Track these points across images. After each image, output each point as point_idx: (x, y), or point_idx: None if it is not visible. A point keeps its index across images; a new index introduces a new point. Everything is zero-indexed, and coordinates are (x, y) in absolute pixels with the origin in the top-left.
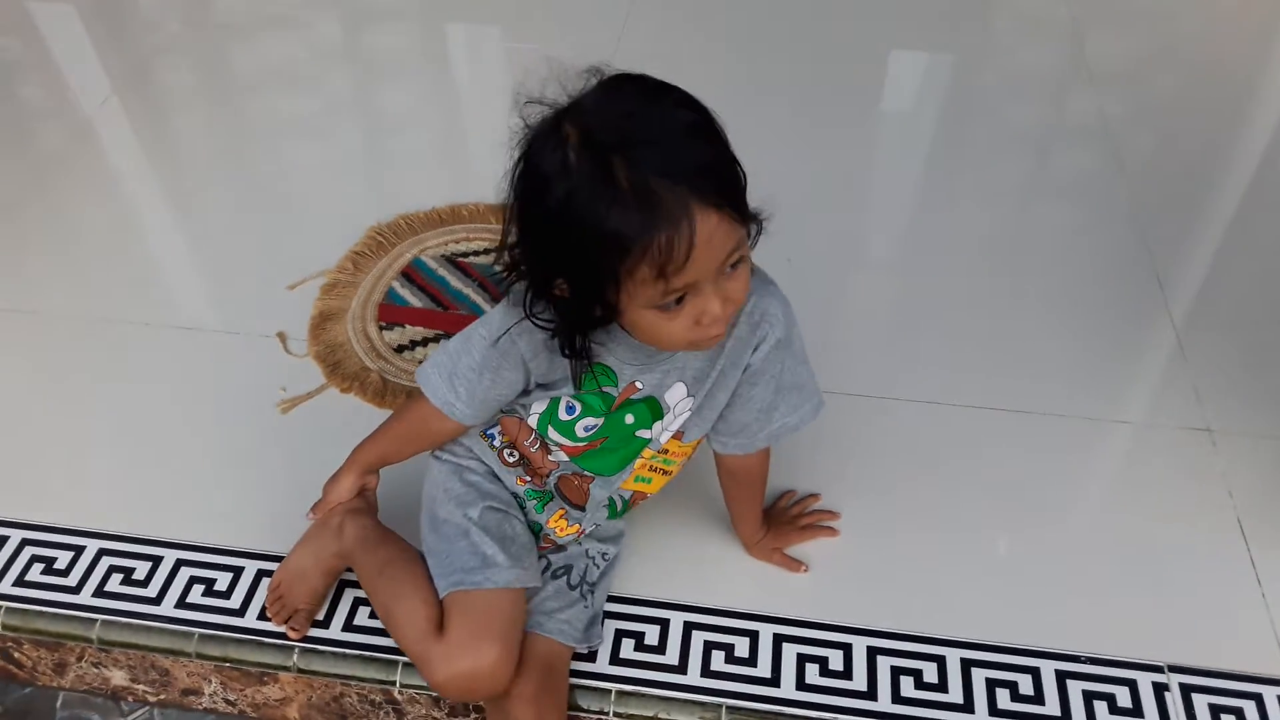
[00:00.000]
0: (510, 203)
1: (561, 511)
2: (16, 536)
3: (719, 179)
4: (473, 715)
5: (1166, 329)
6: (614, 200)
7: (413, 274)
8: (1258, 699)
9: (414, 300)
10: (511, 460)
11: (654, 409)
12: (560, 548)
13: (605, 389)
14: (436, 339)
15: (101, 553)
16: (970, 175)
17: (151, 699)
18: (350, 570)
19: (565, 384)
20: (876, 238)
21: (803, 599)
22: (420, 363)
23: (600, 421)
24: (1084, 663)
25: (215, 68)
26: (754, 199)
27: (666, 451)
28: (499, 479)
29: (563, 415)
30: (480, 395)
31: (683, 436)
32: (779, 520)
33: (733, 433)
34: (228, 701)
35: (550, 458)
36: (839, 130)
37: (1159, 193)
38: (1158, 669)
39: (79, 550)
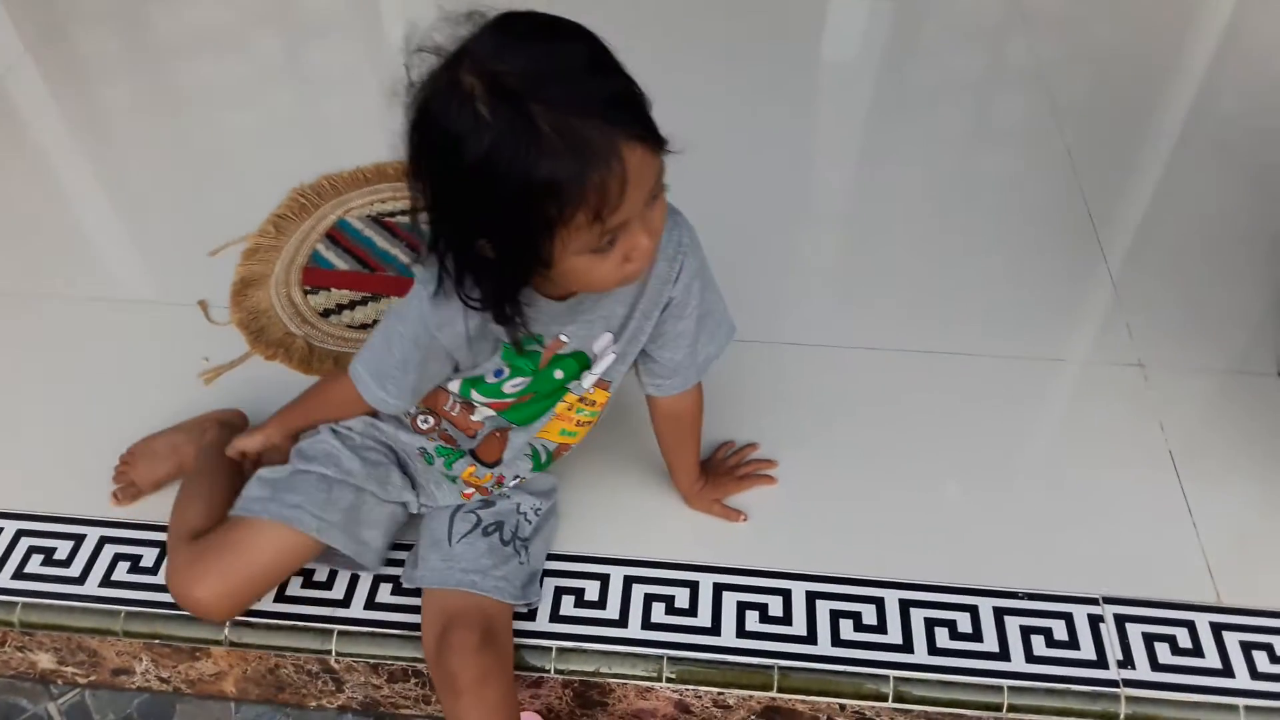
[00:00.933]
0: (414, 169)
1: (472, 468)
2: None
3: (634, 109)
4: (412, 680)
5: (1100, 269)
6: (540, 148)
7: (337, 236)
8: (1189, 625)
9: (339, 263)
10: (425, 427)
11: (582, 361)
12: (489, 503)
13: (529, 348)
14: (364, 301)
15: (20, 534)
16: (909, 123)
17: (82, 680)
18: None
19: (489, 362)
20: (814, 187)
21: (742, 548)
22: (348, 326)
23: (529, 380)
24: (1021, 598)
25: (134, 30)
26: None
27: (594, 403)
28: (394, 451)
29: (489, 379)
30: (409, 387)
31: (609, 385)
32: (717, 471)
33: (668, 374)
34: (161, 679)
35: (474, 417)
36: (779, 81)
37: (1094, 137)
38: (1093, 601)
39: None
